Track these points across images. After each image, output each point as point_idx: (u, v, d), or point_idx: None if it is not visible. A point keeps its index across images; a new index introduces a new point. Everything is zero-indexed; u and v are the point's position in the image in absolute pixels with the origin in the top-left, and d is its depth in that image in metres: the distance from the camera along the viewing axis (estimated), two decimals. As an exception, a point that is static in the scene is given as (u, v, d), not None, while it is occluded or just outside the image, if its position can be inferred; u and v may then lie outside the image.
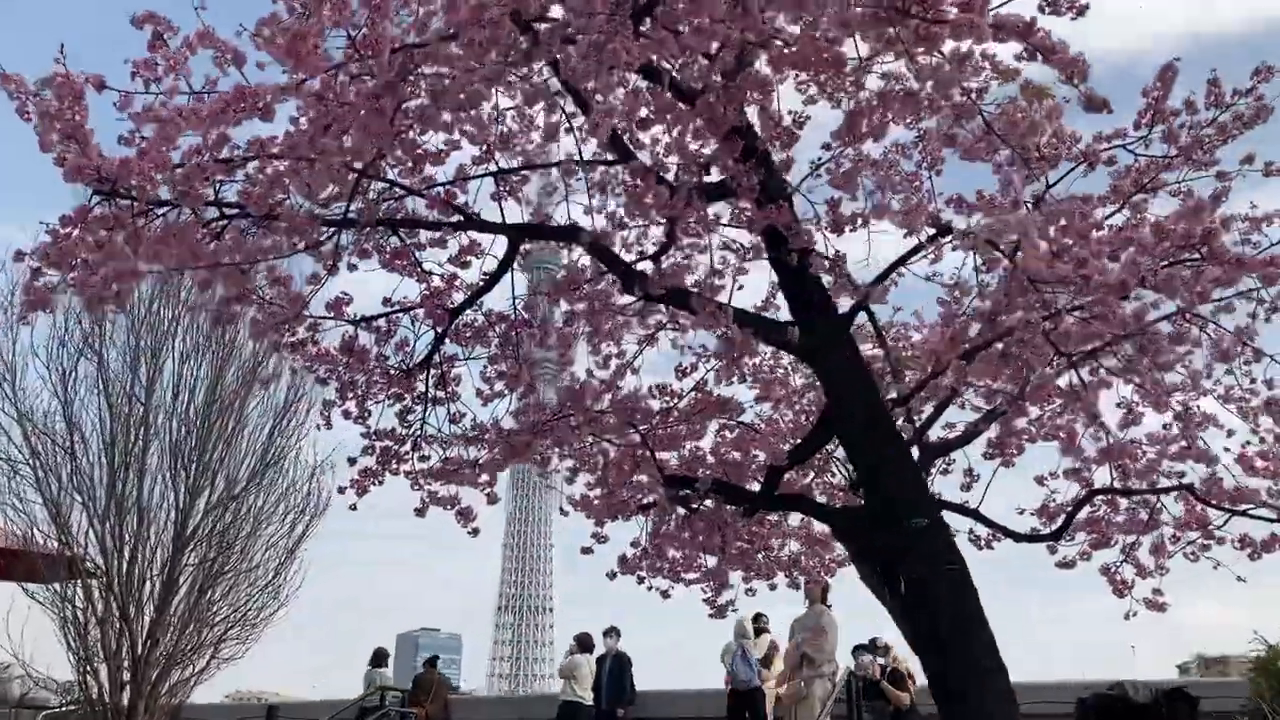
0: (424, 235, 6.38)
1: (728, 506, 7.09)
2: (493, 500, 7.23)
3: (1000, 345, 5.08)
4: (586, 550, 7.62)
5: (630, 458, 6.58)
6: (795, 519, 7.90)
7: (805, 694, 9.11)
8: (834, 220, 5.28)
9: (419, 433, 7.09)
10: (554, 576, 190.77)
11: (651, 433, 6.09)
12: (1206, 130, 5.30)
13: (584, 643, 13.40)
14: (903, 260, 5.20)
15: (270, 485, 11.31)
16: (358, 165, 4.99)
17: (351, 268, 6.31)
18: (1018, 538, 6.27)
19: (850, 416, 4.94)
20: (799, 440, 6.07)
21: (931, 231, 5.13)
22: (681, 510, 6.84)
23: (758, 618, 13.18)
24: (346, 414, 6.88)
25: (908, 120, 5.02)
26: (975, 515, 6.18)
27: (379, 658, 14.19)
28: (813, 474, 7.30)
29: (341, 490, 6.99)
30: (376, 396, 6.90)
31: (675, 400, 6.03)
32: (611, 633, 13.69)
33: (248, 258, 5.76)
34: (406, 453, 7.16)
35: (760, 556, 7.76)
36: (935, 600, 4.58)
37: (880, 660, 10.17)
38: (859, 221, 5.32)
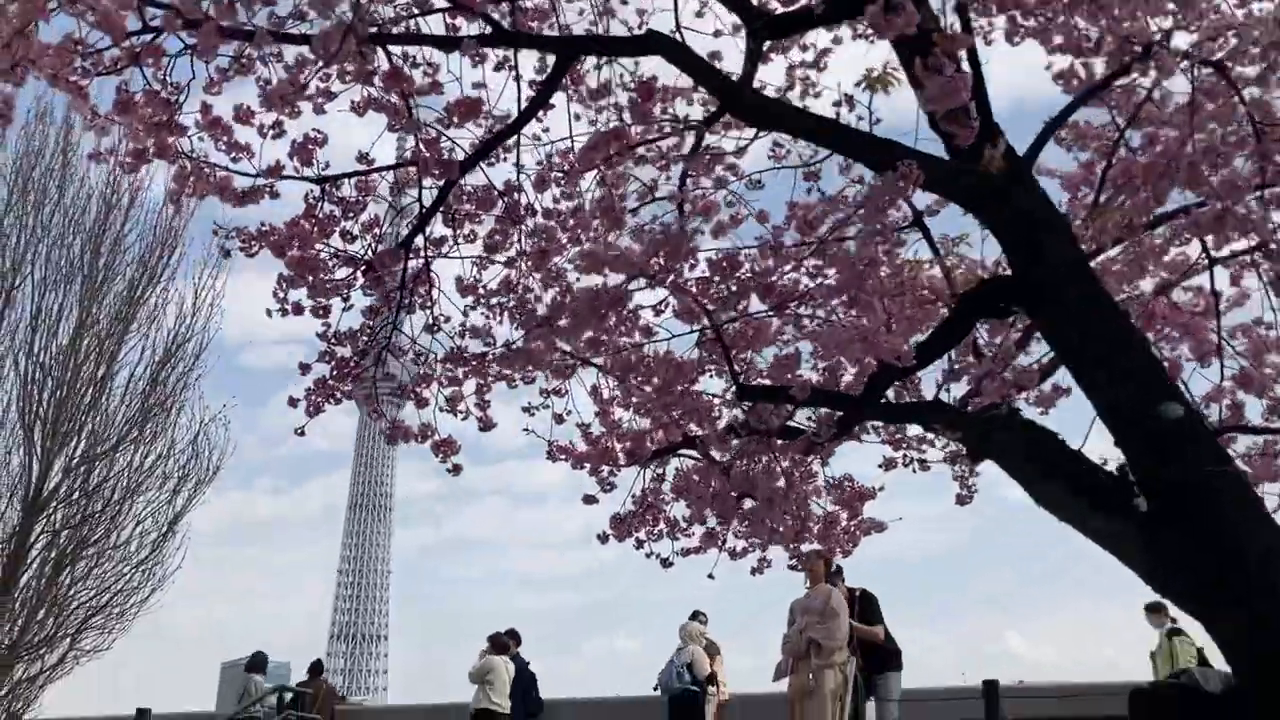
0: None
1: (778, 440, 5.83)
2: (487, 426, 5.81)
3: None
4: (590, 499, 6.26)
5: (678, 367, 5.22)
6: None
7: (813, 687, 7.83)
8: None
9: (386, 341, 5.60)
10: (390, 604, 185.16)
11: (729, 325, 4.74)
12: None
13: (499, 644, 11.86)
14: (1110, 80, 4.02)
15: (148, 443, 9.36)
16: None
17: (319, 110, 4.83)
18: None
19: (1050, 269, 3.71)
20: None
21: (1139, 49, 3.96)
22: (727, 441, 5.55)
23: (695, 616, 11.92)
24: (298, 309, 5.30)
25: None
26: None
27: (256, 664, 12.23)
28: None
29: (293, 403, 5.41)
30: (337, 289, 5.36)
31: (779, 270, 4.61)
32: (512, 636, 12.30)
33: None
34: (367, 369, 5.66)
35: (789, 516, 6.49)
36: (1216, 514, 3.31)
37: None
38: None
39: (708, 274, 4.37)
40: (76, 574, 8.90)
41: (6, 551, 8.63)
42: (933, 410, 4.67)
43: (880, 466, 6.29)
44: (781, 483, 5.98)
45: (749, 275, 4.21)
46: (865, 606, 8.95)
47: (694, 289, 4.48)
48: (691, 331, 5.16)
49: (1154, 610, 11.28)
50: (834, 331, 4.34)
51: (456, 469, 5.75)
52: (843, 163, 5.13)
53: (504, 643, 11.91)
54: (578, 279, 4.91)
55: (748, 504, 6.40)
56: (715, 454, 5.87)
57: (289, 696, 11.27)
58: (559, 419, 6.34)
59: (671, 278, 4.09)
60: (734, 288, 4.15)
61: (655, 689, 11.23)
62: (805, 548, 7.43)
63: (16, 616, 8.58)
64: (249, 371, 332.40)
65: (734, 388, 4.94)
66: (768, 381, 4.99)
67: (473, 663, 11.53)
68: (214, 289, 10.31)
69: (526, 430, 6.39)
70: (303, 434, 5.65)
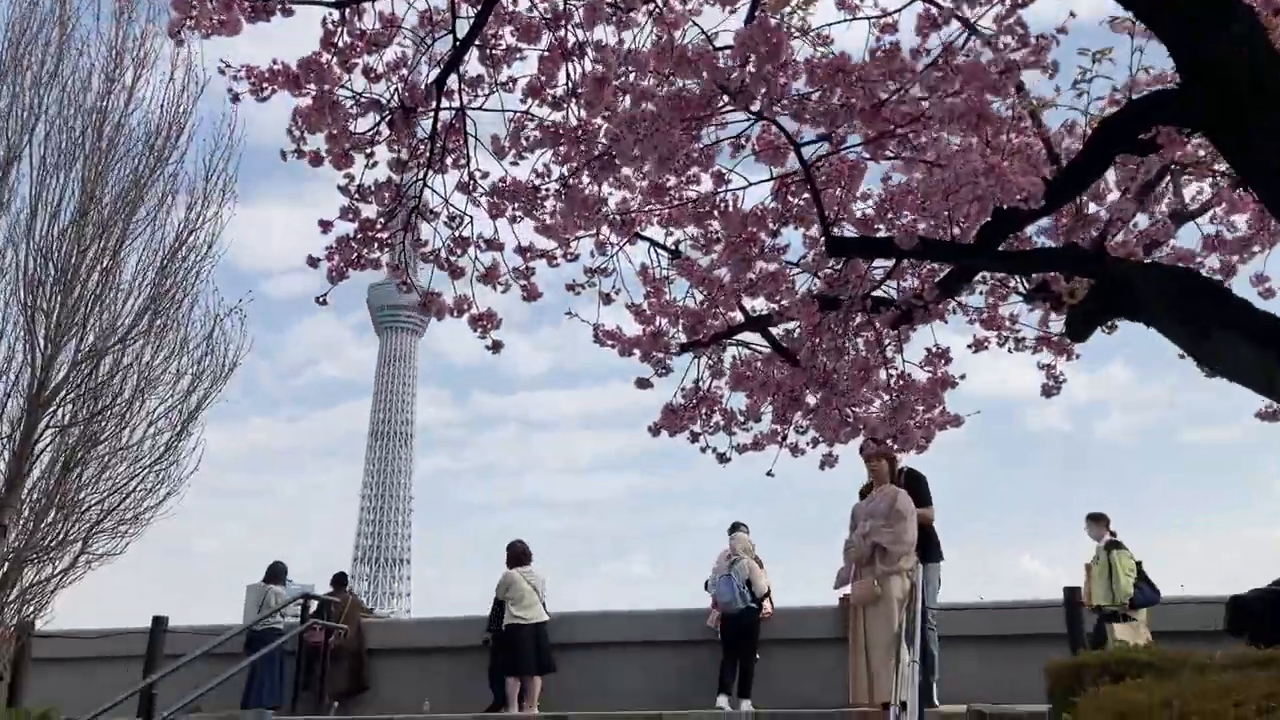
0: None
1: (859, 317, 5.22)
2: (532, 295, 5.20)
3: None
4: (644, 383, 5.66)
5: (754, 219, 4.56)
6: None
7: (880, 594, 7.26)
8: None
9: (416, 201, 4.95)
10: (413, 529, 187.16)
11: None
12: None
13: (514, 555, 11.18)
14: None
15: (160, 335, 8.75)
16: None
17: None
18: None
19: (1243, 68, 2.98)
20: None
21: None
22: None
23: (738, 527, 11.35)
24: (316, 158, 4.63)
25: None
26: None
27: (275, 574, 11.76)
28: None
29: (314, 263, 4.79)
30: (359, 144, 4.69)
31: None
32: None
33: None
34: (393, 234, 5.03)
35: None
36: None
37: None
38: None
39: (804, 90, 3.64)
40: (86, 474, 8.37)
41: (10, 448, 8.10)
42: (1066, 257, 3.98)
43: (970, 348, 5.61)
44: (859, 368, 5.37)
45: (852, 92, 3.48)
46: (913, 486, 8.29)
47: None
48: (771, 179, 4.49)
49: (1095, 520, 10.54)
50: (957, 159, 3.63)
51: (496, 346, 5.13)
52: (925, 10, 4.39)
53: (519, 552, 11.17)
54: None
55: (809, 402, 5.82)
56: (790, 327, 5.24)
57: (314, 605, 10.80)
58: (606, 298, 5.70)
59: (765, 90, 3.39)
60: (838, 101, 3.43)
61: (712, 612, 10.70)
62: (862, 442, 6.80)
63: (26, 519, 8.09)
64: (266, 301, 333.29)
65: (822, 242, 4.27)
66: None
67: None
68: (225, 173, 9.53)
69: (569, 314, 5.77)
70: (324, 303, 5.03)
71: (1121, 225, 4.51)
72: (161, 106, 9.28)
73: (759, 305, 5.52)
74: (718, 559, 11.28)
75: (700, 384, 6.08)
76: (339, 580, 12.28)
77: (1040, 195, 3.75)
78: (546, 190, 4.44)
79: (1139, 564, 10.06)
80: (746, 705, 9.34)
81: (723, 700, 9.44)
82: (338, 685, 11.24)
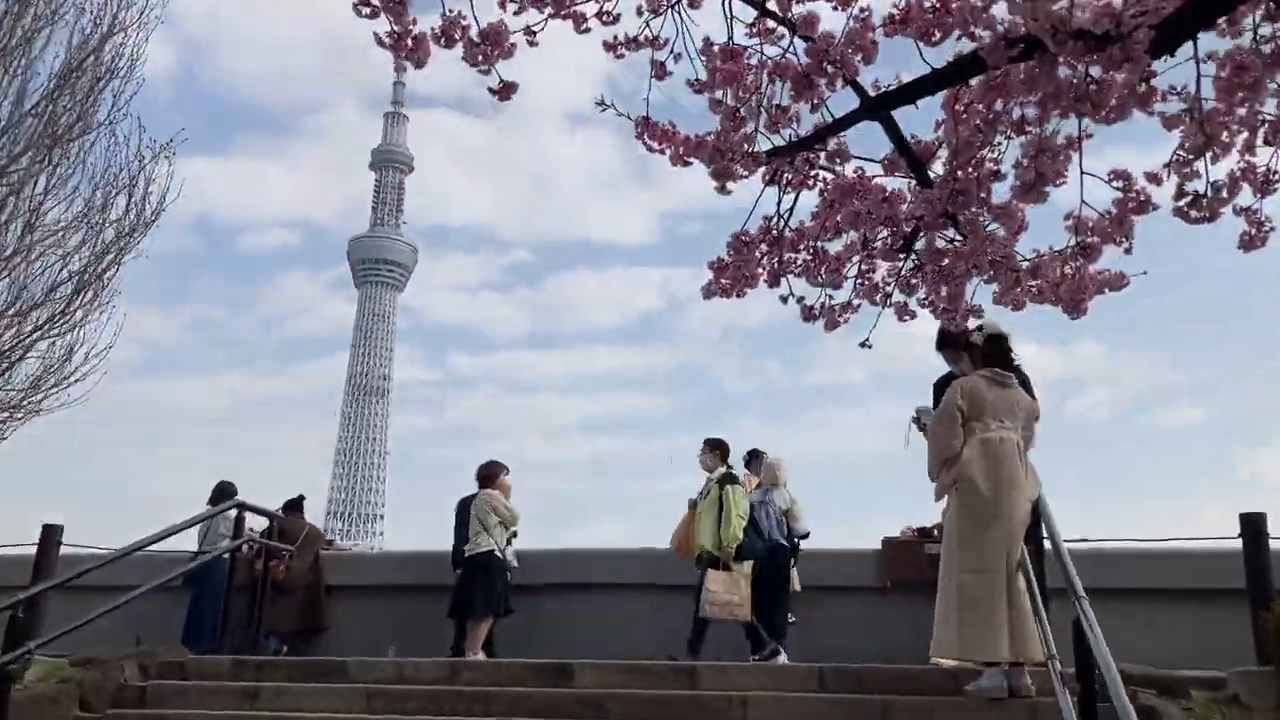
0: None
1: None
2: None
3: None
4: (723, 188, 4.06)
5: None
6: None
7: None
8: None
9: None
10: (386, 485, 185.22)
11: None
12: None
13: (489, 475, 9.48)
14: None
15: (64, 171, 6.95)
16: None
17: None
18: None
19: None
20: None
21: None
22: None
23: (756, 455, 9.76)
24: None
25: None
26: None
27: (223, 493, 9.98)
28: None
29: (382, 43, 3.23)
30: None
31: None
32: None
33: None
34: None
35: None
36: None
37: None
38: None
39: None
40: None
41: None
42: None
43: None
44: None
45: None
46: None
47: None
48: None
49: (711, 448, 9.04)
50: None
51: (506, 89, 3.50)
52: None
53: (495, 474, 9.42)
54: None
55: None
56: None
57: (257, 529, 9.07)
58: (660, 70, 4.09)
59: None
60: None
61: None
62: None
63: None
64: (246, 254, 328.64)
65: None
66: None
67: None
68: None
69: (601, 105, 4.14)
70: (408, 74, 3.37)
71: None
72: None
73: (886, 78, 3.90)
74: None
75: (780, 211, 4.49)
76: (294, 504, 10.54)
77: None
78: None
79: (752, 506, 8.73)
80: (783, 659, 7.79)
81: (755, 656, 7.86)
82: (286, 623, 9.56)
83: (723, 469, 8.89)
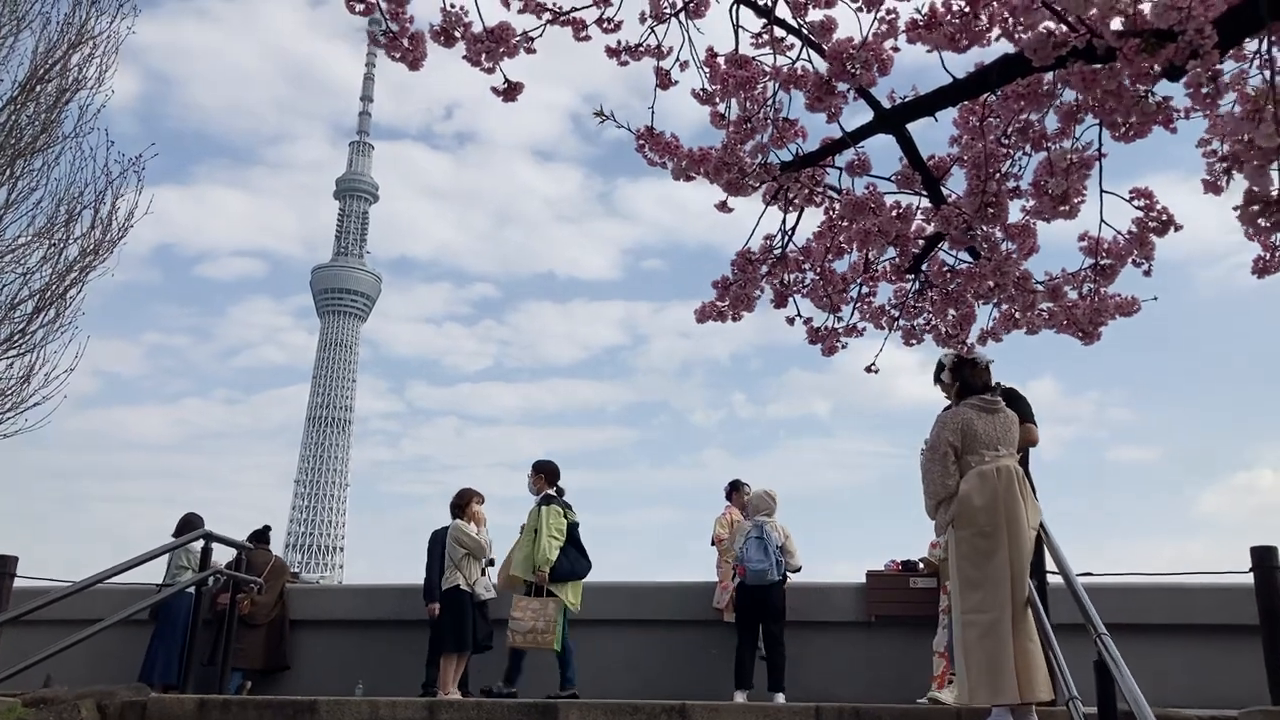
0: None
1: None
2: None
3: None
4: (723, 205, 3.89)
5: None
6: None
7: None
8: None
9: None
10: (347, 517, 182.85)
11: None
12: None
13: (458, 504, 9.09)
14: None
15: (27, 185, 6.63)
16: None
17: None
18: None
19: None
20: None
21: None
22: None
23: (737, 486, 9.54)
24: None
25: None
26: None
27: (189, 524, 9.58)
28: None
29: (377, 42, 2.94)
30: None
31: None
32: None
33: None
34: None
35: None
36: None
37: None
38: None
39: None
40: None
41: None
42: None
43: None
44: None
45: None
46: (1015, 406, 6.39)
47: None
48: None
49: (538, 471, 8.78)
50: None
51: (512, 89, 3.32)
52: None
53: (467, 501, 9.14)
54: None
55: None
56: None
57: (224, 559, 8.71)
58: (664, 80, 3.95)
59: None
60: None
61: (720, 590, 8.88)
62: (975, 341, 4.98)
63: None
64: (207, 283, 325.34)
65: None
66: None
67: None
68: None
69: (599, 116, 3.97)
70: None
71: None
72: None
73: (900, 87, 3.76)
74: (716, 523, 9.49)
75: (785, 228, 4.32)
76: (260, 536, 10.19)
77: None
78: None
79: (575, 524, 8.46)
80: (780, 699, 7.51)
81: (741, 697, 7.56)
82: (251, 659, 9.20)
83: (548, 491, 8.65)
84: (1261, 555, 5.06)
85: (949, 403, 6.02)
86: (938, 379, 6.21)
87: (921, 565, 8.68)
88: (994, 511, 5.27)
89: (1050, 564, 5.49)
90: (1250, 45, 3.11)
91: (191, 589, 8.27)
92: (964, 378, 5.78)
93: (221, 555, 8.92)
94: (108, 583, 6.83)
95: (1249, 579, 5.06)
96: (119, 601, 7.63)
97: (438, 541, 9.03)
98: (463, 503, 9.07)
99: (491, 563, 9.01)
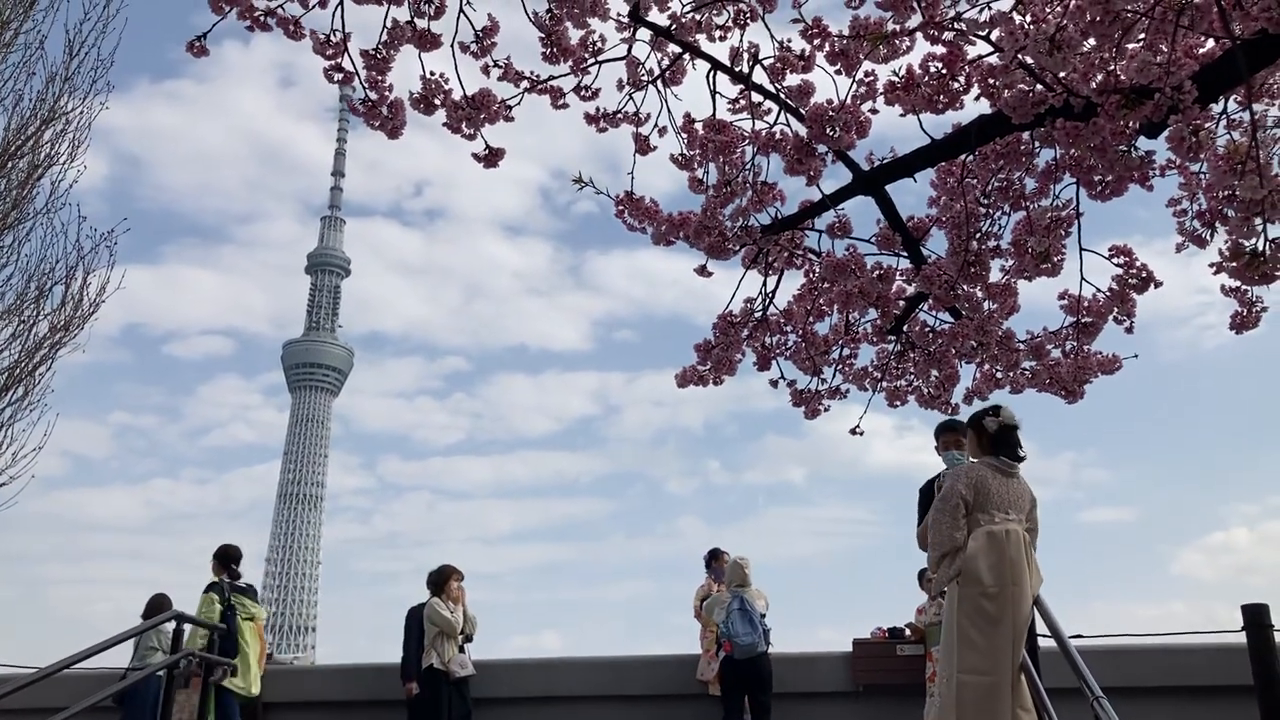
0: None
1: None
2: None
3: None
4: (702, 270, 3.88)
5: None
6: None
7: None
8: None
9: None
10: (319, 596, 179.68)
11: None
12: None
13: (434, 582, 8.95)
14: None
15: None
16: None
17: None
18: None
19: None
20: None
21: None
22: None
23: (716, 555, 9.42)
24: None
25: None
26: None
27: (158, 606, 9.37)
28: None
29: (356, 111, 3.04)
30: None
31: None
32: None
33: None
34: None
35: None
36: None
37: None
38: None
39: None
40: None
41: None
42: None
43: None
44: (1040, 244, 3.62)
45: None
46: None
47: None
48: None
49: (219, 558, 9.33)
50: None
51: (493, 155, 3.31)
52: None
53: (445, 579, 8.96)
54: None
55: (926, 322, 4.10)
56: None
57: (199, 638, 8.46)
58: (642, 145, 3.98)
59: None
60: None
61: (705, 662, 8.72)
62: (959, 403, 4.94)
63: None
64: (175, 362, 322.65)
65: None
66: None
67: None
68: (96, 52, 7.37)
69: (579, 183, 3.97)
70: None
71: None
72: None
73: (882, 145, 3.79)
74: (697, 594, 9.36)
75: (766, 291, 4.32)
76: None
77: None
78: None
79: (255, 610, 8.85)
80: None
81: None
82: (224, 745, 8.92)
83: (224, 579, 9.00)
84: (1254, 613, 4.99)
85: (944, 466, 5.97)
86: (942, 431, 6.15)
87: (908, 631, 8.57)
88: (1001, 574, 5.16)
89: (1041, 627, 5.42)
90: (1216, 107, 3.15)
91: (162, 672, 8.04)
92: (1000, 439, 5.58)
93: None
94: (74, 668, 6.62)
95: (1240, 638, 5.01)
96: (84, 689, 7.40)
97: (414, 619, 8.85)
98: (441, 580, 8.90)
99: (469, 639, 8.83)
